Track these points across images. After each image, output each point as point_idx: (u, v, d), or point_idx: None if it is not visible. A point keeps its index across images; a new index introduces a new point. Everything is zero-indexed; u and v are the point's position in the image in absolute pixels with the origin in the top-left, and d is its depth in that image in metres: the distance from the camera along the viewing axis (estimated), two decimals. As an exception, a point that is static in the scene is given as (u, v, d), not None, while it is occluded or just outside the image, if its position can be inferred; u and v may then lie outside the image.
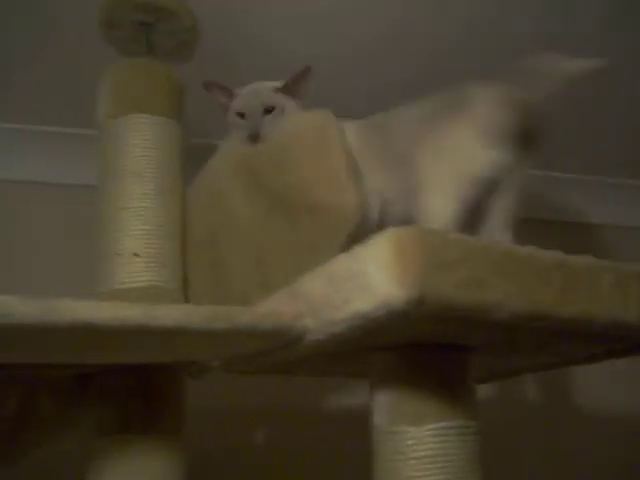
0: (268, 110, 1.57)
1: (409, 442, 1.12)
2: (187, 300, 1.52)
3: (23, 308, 0.93)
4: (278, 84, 1.61)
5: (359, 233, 1.33)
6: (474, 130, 1.41)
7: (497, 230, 1.43)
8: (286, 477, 2.06)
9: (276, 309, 1.12)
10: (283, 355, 1.21)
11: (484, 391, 1.27)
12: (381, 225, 1.48)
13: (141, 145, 1.52)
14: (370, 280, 0.96)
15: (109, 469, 1.37)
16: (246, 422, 2.11)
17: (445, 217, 1.38)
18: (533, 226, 1.46)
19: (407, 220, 1.47)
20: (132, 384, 1.40)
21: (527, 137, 1.43)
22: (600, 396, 2.46)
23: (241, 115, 1.59)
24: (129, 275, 1.45)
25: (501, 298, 1.00)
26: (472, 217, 1.41)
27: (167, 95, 1.60)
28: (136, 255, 1.44)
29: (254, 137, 1.54)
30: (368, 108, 1.59)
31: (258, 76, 1.65)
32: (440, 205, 1.40)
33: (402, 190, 1.49)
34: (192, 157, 1.63)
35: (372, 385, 1.21)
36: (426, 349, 1.15)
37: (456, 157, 1.41)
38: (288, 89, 1.60)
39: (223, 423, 2.02)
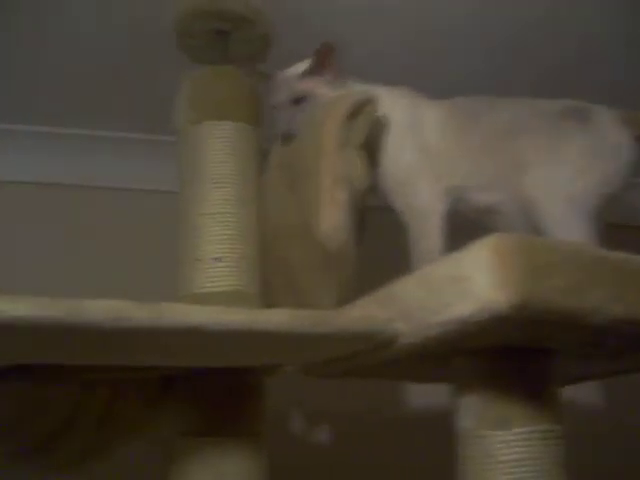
0: (298, 100, 1.53)
1: (497, 446, 1.12)
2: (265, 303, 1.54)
3: (139, 312, 0.95)
4: (304, 67, 1.55)
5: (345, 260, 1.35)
6: (605, 145, 1.42)
7: None
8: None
9: (369, 313, 1.13)
10: (369, 359, 1.22)
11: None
12: (456, 214, 1.50)
13: (222, 151, 1.54)
14: (472, 285, 0.98)
15: (192, 470, 1.39)
16: (324, 424, 2.13)
17: (580, 230, 1.38)
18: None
19: (489, 209, 1.48)
20: (215, 386, 1.42)
21: None
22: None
23: (275, 109, 1.56)
24: (210, 280, 1.47)
25: (599, 303, 1.01)
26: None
27: (246, 101, 1.61)
28: (218, 260, 1.46)
29: (285, 137, 1.51)
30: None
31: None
32: (572, 217, 1.39)
33: (491, 180, 1.48)
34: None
35: (457, 389, 1.22)
36: (512, 353, 1.16)
37: (590, 169, 1.42)
38: (316, 70, 1.54)
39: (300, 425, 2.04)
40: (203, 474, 1.38)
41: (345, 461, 2.11)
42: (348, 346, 1.16)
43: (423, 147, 1.50)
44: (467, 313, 0.99)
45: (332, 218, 1.32)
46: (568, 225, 1.38)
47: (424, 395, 2.18)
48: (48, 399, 1.33)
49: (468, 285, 0.99)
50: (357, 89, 1.55)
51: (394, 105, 1.53)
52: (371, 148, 1.49)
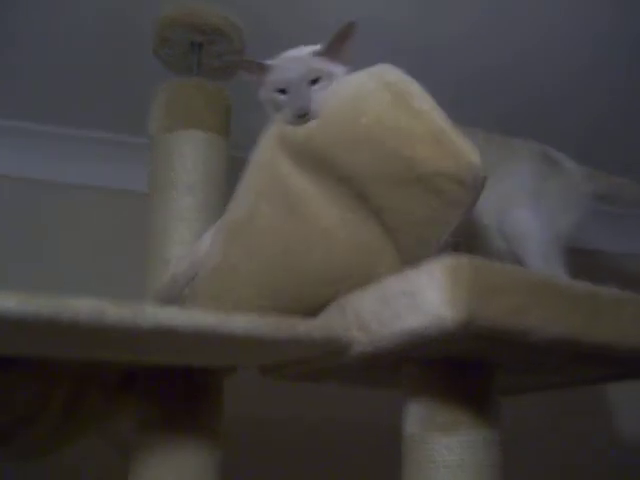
0: (314, 80, 1.37)
1: (440, 450, 1.21)
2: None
3: (117, 311, 1.03)
4: (318, 48, 1.41)
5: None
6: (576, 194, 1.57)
7: None
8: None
9: (328, 321, 1.21)
10: (324, 363, 1.30)
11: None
12: None
13: (192, 159, 1.61)
14: (423, 300, 1.07)
15: (149, 465, 1.43)
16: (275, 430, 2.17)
17: (559, 265, 1.49)
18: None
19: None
20: (174, 384, 1.46)
21: None
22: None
23: (282, 91, 1.40)
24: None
25: (539, 324, 1.11)
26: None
27: (217, 112, 1.68)
28: (184, 262, 1.52)
29: (303, 114, 1.34)
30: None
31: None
32: (553, 256, 1.50)
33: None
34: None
35: (404, 395, 1.30)
36: (457, 364, 1.25)
37: (566, 213, 1.55)
38: (331, 52, 1.40)
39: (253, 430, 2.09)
40: (160, 468, 1.42)
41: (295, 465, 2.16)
42: (307, 351, 1.23)
43: None
44: (417, 326, 1.08)
45: (468, 147, 1.20)
46: (549, 262, 1.48)
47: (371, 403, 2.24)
48: (14, 389, 1.37)
49: (419, 300, 1.08)
50: None
51: None
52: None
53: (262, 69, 1.42)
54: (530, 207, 1.52)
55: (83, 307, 1.00)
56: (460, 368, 1.25)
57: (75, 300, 1.01)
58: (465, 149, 1.18)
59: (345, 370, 1.40)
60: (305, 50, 1.43)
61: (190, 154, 1.62)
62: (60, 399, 1.44)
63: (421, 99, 1.23)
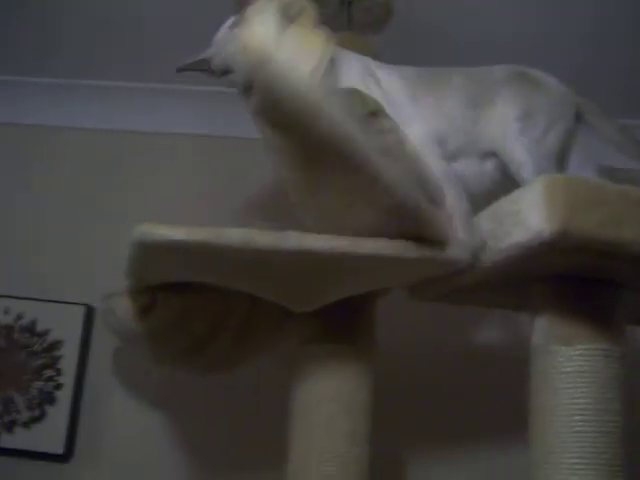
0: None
1: (561, 359, 1.32)
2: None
3: (261, 237, 1.25)
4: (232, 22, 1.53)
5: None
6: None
7: None
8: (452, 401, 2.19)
9: (450, 244, 1.35)
10: (457, 281, 1.45)
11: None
12: None
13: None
14: (526, 216, 1.22)
15: (312, 375, 1.61)
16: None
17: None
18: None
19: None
20: (335, 302, 1.58)
21: None
22: None
23: (227, 71, 1.53)
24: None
25: (634, 235, 1.21)
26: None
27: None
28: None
29: (248, 87, 1.34)
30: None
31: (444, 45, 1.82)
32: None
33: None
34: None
35: (532, 311, 1.42)
36: (580, 281, 1.36)
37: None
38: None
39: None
40: (322, 378, 1.60)
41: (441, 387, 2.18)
42: (434, 269, 1.39)
43: None
44: (522, 240, 1.23)
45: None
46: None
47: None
48: (196, 309, 1.61)
49: (523, 217, 1.23)
50: None
51: None
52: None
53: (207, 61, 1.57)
54: (521, 133, 1.53)
55: (235, 234, 1.24)
56: (582, 285, 1.36)
57: (229, 229, 1.24)
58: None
59: (477, 291, 1.54)
60: (227, 25, 1.55)
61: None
62: (237, 318, 1.67)
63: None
